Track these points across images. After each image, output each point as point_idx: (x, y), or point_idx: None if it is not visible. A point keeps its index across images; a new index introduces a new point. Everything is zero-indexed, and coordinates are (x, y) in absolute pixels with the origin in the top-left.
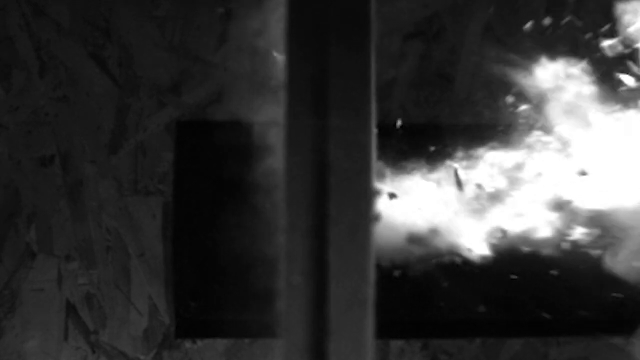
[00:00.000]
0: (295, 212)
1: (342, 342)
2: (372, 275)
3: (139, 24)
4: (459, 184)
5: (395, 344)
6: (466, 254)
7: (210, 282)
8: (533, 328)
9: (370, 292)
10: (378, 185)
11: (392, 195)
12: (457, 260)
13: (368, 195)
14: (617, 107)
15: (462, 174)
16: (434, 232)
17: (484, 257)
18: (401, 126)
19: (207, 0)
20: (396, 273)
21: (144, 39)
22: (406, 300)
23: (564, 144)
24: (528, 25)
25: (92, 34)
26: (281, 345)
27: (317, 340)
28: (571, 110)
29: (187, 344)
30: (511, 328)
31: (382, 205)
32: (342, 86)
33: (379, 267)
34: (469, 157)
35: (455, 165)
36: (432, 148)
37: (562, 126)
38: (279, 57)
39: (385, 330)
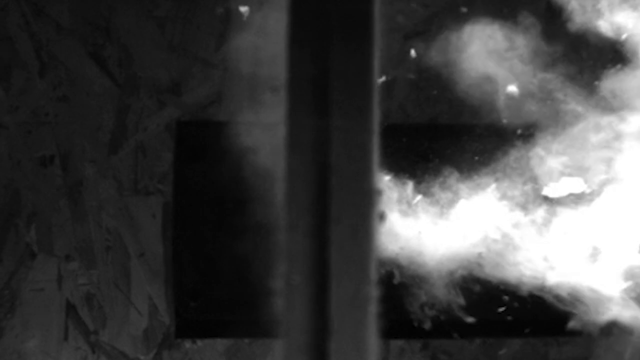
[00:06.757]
0: (295, 212)
1: (343, 342)
2: (373, 275)
3: (139, 24)
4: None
5: (395, 344)
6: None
7: (210, 282)
8: (533, 328)
9: (372, 292)
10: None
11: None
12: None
13: (370, 195)
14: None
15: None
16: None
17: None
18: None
19: (207, 0)
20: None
21: (144, 39)
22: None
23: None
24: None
25: (92, 34)
26: (281, 345)
27: (318, 340)
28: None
29: (187, 344)
30: (511, 328)
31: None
32: (344, 85)
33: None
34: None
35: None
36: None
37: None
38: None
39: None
